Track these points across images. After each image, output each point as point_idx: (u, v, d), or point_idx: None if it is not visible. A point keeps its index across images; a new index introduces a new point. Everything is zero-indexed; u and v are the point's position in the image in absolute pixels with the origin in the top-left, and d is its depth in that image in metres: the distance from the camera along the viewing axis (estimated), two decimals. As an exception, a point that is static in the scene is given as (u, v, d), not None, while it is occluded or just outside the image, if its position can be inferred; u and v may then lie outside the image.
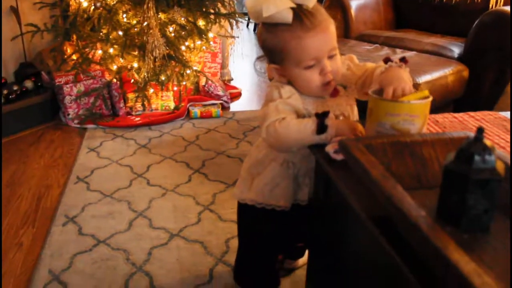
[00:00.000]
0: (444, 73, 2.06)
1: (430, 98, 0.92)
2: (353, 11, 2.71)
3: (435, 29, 2.72)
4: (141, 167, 2.10)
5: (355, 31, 2.70)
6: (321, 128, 0.91)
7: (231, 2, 2.75)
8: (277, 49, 0.96)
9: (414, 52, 2.38)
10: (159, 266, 1.46)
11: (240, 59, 3.81)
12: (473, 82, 2.17)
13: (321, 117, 0.92)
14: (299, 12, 0.92)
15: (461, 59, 2.27)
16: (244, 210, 1.17)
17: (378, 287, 0.76)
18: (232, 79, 3.33)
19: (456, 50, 2.35)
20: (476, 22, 2.30)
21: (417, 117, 0.89)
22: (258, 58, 4.01)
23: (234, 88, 3.13)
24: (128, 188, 1.93)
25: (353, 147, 0.76)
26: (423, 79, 1.97)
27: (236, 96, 3.04)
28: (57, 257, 1.50)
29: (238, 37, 2.89)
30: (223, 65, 3.22)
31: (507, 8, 2.25)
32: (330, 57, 0.96)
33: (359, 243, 0.85)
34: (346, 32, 2.71)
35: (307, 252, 1.19)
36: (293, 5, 0.92)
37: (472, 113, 1.14)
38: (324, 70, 0.95)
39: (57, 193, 1.90)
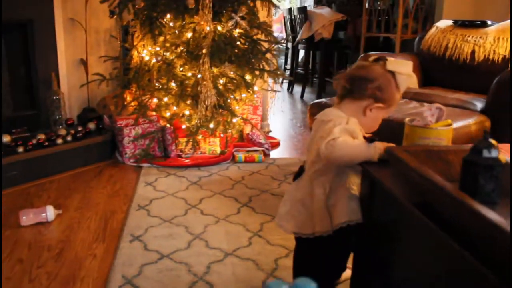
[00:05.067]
0: (468, 122, 2.28)
1: (452, 126, 1.19)
2: (384, 70, 2.99)
3: (459, 87, 2.97)
4: (194, 200, 2.33)
5: (386, 88, 2.97)
6: (370, 142, 1.18)
7: (274, 61, 3.07)
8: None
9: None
10: (217, 278, 1.66)
11: (279, 114, 4.12)
12: (495, 131, 2.38)
13: (370, 139, 1.19)
14: None
15: (483, 111, 2.50)
16: (319, 241, 1.31)
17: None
18: (270, 131, 3.60)
19: (479, 104, 2.59)
20: (496, 80, 2.55)
21: (443, 140, 1.16)
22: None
23: (273, 138, 3.39)
24: (184, 216, 2.15)
25: (396, 151, 1.00)
26: (450, 127, 2.19)
27: (275, 145, 3.30)
28: (128, 266, 1.72)
29: (279, 91, 3.19)
30: (263, 118, 3.51)
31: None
32: None
33: (402, 232, 1.05)
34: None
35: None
36: None
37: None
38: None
39: (121, 217, 2.14)
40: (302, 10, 4.95)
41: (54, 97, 2.85)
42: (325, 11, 4.94)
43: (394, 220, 1.10)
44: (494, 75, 2.64)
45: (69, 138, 2.68)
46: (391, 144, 1.25)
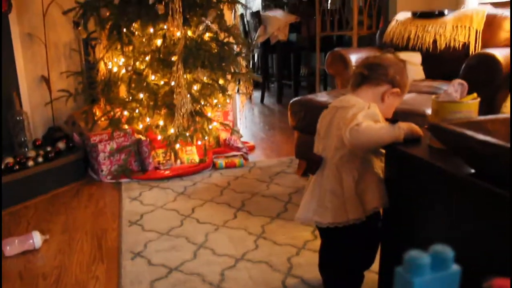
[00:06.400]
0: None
1: (479, 99, 1.21)
2: (353, 64, 3.04)
3: (425, 75, 3.06)
4: (186, 210, 2.25)
5: (357, 82, 3.01)
6: (393, 123, 1.19)
7: (243, 64, 3.04)
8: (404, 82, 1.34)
9: (414, 93, 2.68)
10: (235, 283, 1.59)
11: (245, 120, 4.08)
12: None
13: (393, 121, 1.20)
14: None
15: (456, 95, 2.59)
16: (352, 228, 1.27)
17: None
18: (242, 136, 3.56)
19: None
20: (464, 65, 2.64)
21: (472, 113, 1.17)
22: None
23: (248, 142, 3.35)
24: (181, 227, 2.06)
25: (444, 125, 1.00)
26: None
27: (251, 149, 3.26)
28: (137, 284, 1.61)
29: (252, 94, 3.16)
30: (234, 123, 3.46)
31: (488, 51, 2.61)
32: None
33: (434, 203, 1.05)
34: (348, 82, 3.02)
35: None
36: None
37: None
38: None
39: (115, 234, 2.02)
40: (256, 14, 4.96)
41: (18, 118, 2.67)
42: (278, 13, 4.98)
43: (427, 194, 1.10)
44: (456, 61, 2.74)
45: (40, 160, 2.52)
46: (414, 125, 1.26)
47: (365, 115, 1.22)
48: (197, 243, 1.90)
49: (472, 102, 1.15)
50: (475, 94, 1.18)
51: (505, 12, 2.92)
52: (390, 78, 1.30)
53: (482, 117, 1.08)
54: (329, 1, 4.76)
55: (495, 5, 3.11)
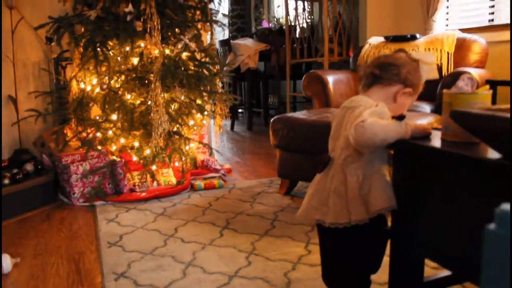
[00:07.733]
0: (431, 120, 2.38)
1: (491, 91, 1.21)
2: (331, 85, 3.05)
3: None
4: (168, 229, 2.13)
5: (335, 102, 3.01)
6: (400, 120, 1.16)
7: (219, 85, 2.99)
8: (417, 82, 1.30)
9: (395, 112, 2.70)
10: (231, 300, 1.49)
11: (218, 145, 4.00)
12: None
13: (399, 117, 1.17)
14: None
15: (433, 112, 2.63)
16: (355, 230, 1.21)
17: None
18: (216, 160, 3.47)
19: (427, 107, 2.72)
20: (440, 84, 2.70)
21: (487, 104, 1.16)
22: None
23: (223, 165, 3.27)
24: (165, 246, 1.94)
25: (467, 111, 0.97)
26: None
27: (228, 171, 3.17)
28: (124, 305, 1.48)
29: (230, 114, 3.10)
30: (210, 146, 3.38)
31: (463, 69, 2.68)
32: None
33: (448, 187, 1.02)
34: (326, 103, 3.02)
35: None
36: None
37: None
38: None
39: (94, 256, 1.87)
40: (225, 42, 4.96)
41: (-19, 139, 2.50)
42: (248, 41, 5.00)
43: (448, 187, 1.05)
44: (430, 82, 2.79)
45: (6, 182, 2.34)
46: (421, 123, 1.24)
47: (371, 112, 1.18)
48: (184, 262, 1.78)
49: (486, 93, 1.13)
50: (487, 86, 1.17)
51: (473, 36, 3.02)
52: (403, 78, 1.27)
53: (502, 105, 1.06)
54: (298, 30, 4.84)
55: (462, 30, 3.22)
